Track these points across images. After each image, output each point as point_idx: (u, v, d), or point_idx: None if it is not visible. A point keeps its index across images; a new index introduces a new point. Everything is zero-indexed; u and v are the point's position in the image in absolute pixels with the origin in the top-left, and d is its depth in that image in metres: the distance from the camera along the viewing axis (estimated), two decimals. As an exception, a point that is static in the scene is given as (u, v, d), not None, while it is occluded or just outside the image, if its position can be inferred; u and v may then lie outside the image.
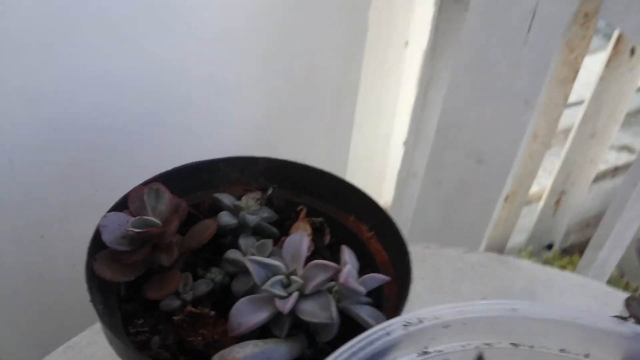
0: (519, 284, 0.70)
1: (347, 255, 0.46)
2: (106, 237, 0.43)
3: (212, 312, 0.44)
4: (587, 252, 0.80)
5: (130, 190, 0.46)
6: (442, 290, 0.68)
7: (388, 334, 0.35)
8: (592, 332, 0.37)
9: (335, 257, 0.52)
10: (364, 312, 0.43)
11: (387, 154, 1.21)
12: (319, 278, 0.42)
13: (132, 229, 0.42)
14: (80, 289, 0.91)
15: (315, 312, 0.42)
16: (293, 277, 0.43)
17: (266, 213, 0.52)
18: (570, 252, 1.79)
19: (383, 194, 1.25)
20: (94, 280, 0.43)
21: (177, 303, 0.44)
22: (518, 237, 1.65)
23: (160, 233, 0.43)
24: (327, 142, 1.05)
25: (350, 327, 0.43)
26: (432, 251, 0.73)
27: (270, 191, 0.56)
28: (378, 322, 0.43)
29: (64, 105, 0.73)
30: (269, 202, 0.56)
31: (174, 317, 0.43)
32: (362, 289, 0.42)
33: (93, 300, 0.41)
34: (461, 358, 0.38)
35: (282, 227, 0.54)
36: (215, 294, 0.46)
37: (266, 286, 0.42)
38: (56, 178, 0.80)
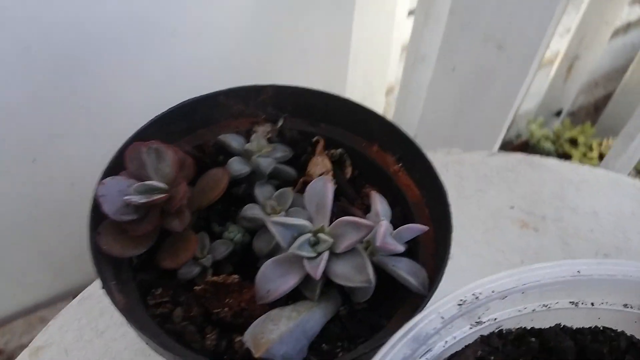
0: (548, 187, 0.67)
1: (379, 204, 0.42)
2: (107, 208, 0.38)
3: (236, 278, 0.40)
4: (617, 143, 0.76)
5: (126, 149, 0.41)
6: (469, 201, 0.65)
7: (442, 317, 0.32)
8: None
9: (359, 192, 0.48)
10: (402, 267, 0.40)
11: (391, 30, 1.11)
12: (351, 237, 0.39)
13: (136, 200, 0.38)
14: (81, 209, 0.89)
15: (350, 275, 0.38)
16: (321, 235, 0.40)
17: (280, 152, 0.47)
18: (578, 115, 1.76)
19: (387, 79, 1.18)
20: (100, 255, 0.39)
21: (196, 270, 0.41)
22: (527, 104, 1.61)
23: (168, 199, 0.39)
24: (327, 32, 0.96)
25: (386, 279, 0.41)
26: (454, 157, 0.69)
27: (281, 122, 0.50)
28: (418, 278, 0.40)
29: (37, 21, 0.64)
30: (280, 135, 0.50)
31: (196, 288, 0.40)
32: (401, 248, 0.39)
33: (105, 285, 0.37)
34: (517, 322, 0.35)
35: (297, 163, 0.49)
36: (235, 254, 0.43)
37: (293, 249, 0.39)
38: (38, 99, 0.73)
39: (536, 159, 0.69)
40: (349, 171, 0.50)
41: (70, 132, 0.81)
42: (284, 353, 0.36)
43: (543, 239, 0.61)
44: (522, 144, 1.54)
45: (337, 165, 0.50)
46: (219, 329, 0.40)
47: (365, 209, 0.48)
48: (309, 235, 0.40)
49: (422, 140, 0.69)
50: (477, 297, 0.33)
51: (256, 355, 0.34)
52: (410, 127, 1.10)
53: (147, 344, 0.38)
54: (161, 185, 0.39)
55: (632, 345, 0.34)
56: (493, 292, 0.33)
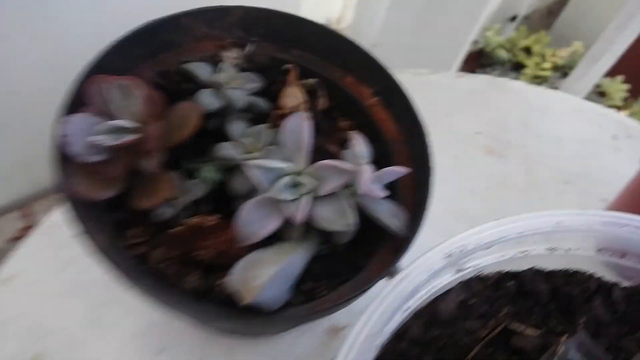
0: (514, 113, 0.67)
1: (360, 146, 0.41)
2: (73, 149, 0.36)
3: (214, 220, 0.40)
4: (580, 66, 0.76)
5: (85, 82, 0.37)
6: (436, 126, 0.64)
7: (430, 270, 0.32)
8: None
9: (334, 126, 0.47)
10: (383, 210, 0.40)
11: None
12: (333, 182, 0.38)
13: (104, 141, 0.35)
14: (25, 118, 0.83)
15: (331, 218, 0.38)
16: (302, 178, 0.39)
17: (251, 82, 0.45)
18: (532, 20, 1.75)
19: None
20: (69, 198, 0.37)
21: (170, 211, 0.40)
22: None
23: (138, 140, 0.36)
24: None
25: (367, 219, 0.41)
26: (422, 79, 0.68)
27: (250, 48, 0.47)
28: (399, 220, 0.40)
29: None
30: (249, 61, 0.47)
31: (172, 230, 0.39)
32: (383, 193, 0.39)
33: (83, 228, 0.36)
34: (496, 267, 0.37)
35: (268, 92, 0.47)
36: (211, 192, 0.42)
37: (273, 193, 0.38)
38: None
39: (504, 82, 0.69)
40: (323, 102, 0.48)
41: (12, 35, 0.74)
42: (270, 297, 0.36)
43: (508, 166, 0.63)
44: (477, 52, 1.54)
45: (311, 96, 0.48)
46: (200, 270, 0.40)
47: (341, 144, 0.47)
48: (288, 177, 0.39)
49: (383, 50, 0.67)
50: (462, 250, 0.33)
51: (243, 303, 0.34)
52: (370, 34, 1.07)
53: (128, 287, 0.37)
54: (130, 124, 0.36)
55: (601, 286, 0.36)
56: (479, 244, 0.33)
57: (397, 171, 0.41)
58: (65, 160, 0.37)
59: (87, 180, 0.37)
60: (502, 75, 1.34)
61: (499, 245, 0.34)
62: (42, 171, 0.98)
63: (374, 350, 0.31)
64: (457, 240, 0.33)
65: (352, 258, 0.41)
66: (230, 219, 0.41)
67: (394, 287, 0.31)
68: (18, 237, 0.97)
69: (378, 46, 1.06)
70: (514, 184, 0.61)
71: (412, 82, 0.66)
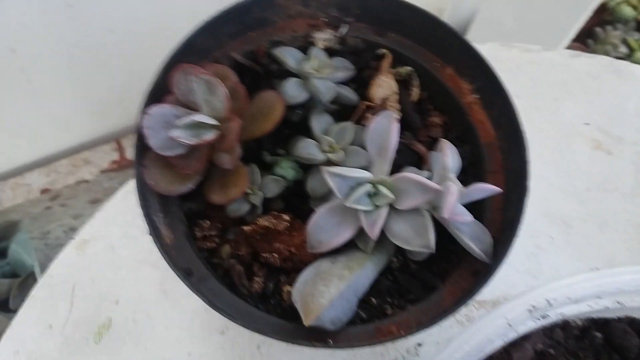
0: (632, 103, 0.60)
1: (450, 157, 0.37)
2: (153, 142, 0.35)
3: (287, 223, 0.39)
4: None
5: (172, 73, 0.36)
6: (541, 112, 0.59)
7: (510, 324, 0.30)
8: None
9: (424, 120, 0.44)
10: (466, 232, 0.37)
11: None
12: (415, 199, 0.35)
13: (185, 139, 0.34)
14: (122, 56, 0.85)
15: (409, 236, 0.36)
16: (382, 189, 0.36)
17: (341, 72, 0.42)
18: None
19: None
20: (145, 188, 0.37)
21: (246, 207, 0.39)
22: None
23: (218, 139, 0.35)
24: None
25: (445, 235, 0.38)
26: (531, 56, 0.61)
27: (344, 29, 0.44)
28: (482, 244, 0.38)
29: None
30: (341, 42, 0.44)
31: (245, 228, 0.39)
32: (469, 219, 0.35)
33: (150, 221, 0.36)
34: (585, 316, 0.33)
35: (358, 78, 0.44)
36: (286, 189, 0.40)
37: (350, 202, 0.36)
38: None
39: (625, 65, 0.61)
40: (415, 93, 0.45)
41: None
42: (332, 317, 0.35)
43: (616, 165, 0.57)
44: (600, 6, 1.37)
45: (403, 84, 0.44)
46: (265, 270, 0.39)
47: (430, 143, 0.43)
48: (368, 186, 0.37)
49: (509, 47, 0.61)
50: (550, 304, 0.30)
51: (306, 324, 0.34)
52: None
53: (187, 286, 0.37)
54: (212, 121, 0.35)
55: None
56: (568, 298, 0.30)
57: (488, 190, 0.37)
58: (145, 150, 0.37)
59: (165, 174, 0.37)
60: (625, 34, 1.20)
61: (592, 300, 0.31)
62: (135, 106, 1.01)
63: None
64: (544, 292, 0.30)
65: (425, 275, 0.39)
66: (301, 219, 0.40)
67: (472, 333, 0.29)
68: (111, 169, 1.02)
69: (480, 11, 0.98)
70: (619, 187, 0.55)
71: (519, 59, 0.60)
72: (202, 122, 0.35)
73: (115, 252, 0.51)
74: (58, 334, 0.48)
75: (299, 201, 0.41)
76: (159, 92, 0.38)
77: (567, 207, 0.55)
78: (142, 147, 0.37)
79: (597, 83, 0.61)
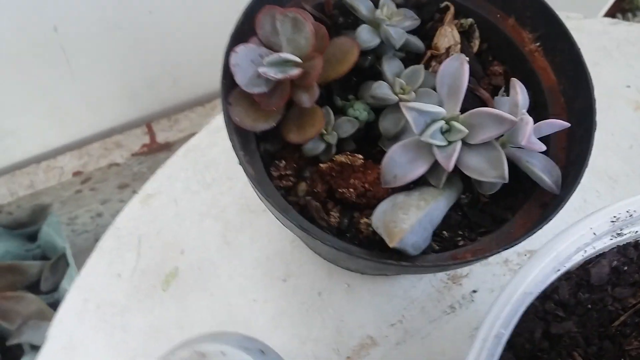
0: (671, 67, 0.62)
1: (521, 94, 0.39)
2: (240, 79, 0.37)
3: (362, 159, 0.40)
4: None
5: (253, 10, 0.38)
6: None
7: (594, 233, 0.32)
8: None
9: (485, 69, 0.46)
10: (537, 164, 0.39)
11: None
12: (490, 131, 0.37)
13: (272, 74, 0.36)
14: (157, 39, 0.87)
15: (483, 168, 0.38)
16: (455, 124, 0.38)
17: (409, 20, 0.44)
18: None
19: None
20: (231, 125, 0.39)
21: (321, 146, 0.41)
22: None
23: (302, 75, 0.37)
24: None
25: (513, 170, 0.40)
26: (573, 24, 0.63)
27: (408, -18, 0.46)
28: (552, 176, 0.39)
29: None
30: (405, -4, 0.46)
31: (321, 165, 0.41)
32: (543, 147, 0.37)
33: (240, 161, 0.38)
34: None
35: (422, 31, 0.46)
36: (358, 130, 0.42)
37: (425, 137, 0.38)
38: None
39: (664, 32, 0.64)
40: (476, 44, 0.47)
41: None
42: (413, 242, 0.37)
43: (657, 124, 0.59)
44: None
45: (465, 36, 0.46)
46: (340, 206, 0.41)
47: (492, 90, 0.45)
48: (441, 122, 0.39)
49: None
50: (630, 215, 0.32)
51: (391, 245, 0.36)
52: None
53: (276, 217, 0.39)
54: (296, 58, 0.37)
55: None
56: (645, 213, 0.32)
57: (557, 124, 0.39)
58: (230, 87, 0.39)
59: (249, 111, 0.39)
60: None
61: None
62: (165, 91, 1.04)
63: (524, 307, 0.32)
64: (625, 204, 0.32)
65: (494, 209, 0.41)
66: (373, 160, 0.42)
67: (553, 245, 0.31)
68: (141, 153, 1.04)
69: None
70: (662, 145, 0.57)
71: (560, 26, 0.62)
72: (287, 59, 0.37)
73: (178, 205, 0.53)
74: (126, 283, 0.50)
75: (368, 143, 0.43)
76: (241, 35, 0.40)
77: (612, 164, 0.57)
78: (227, 85, 0.39)
79: (636, 48, 0.63)
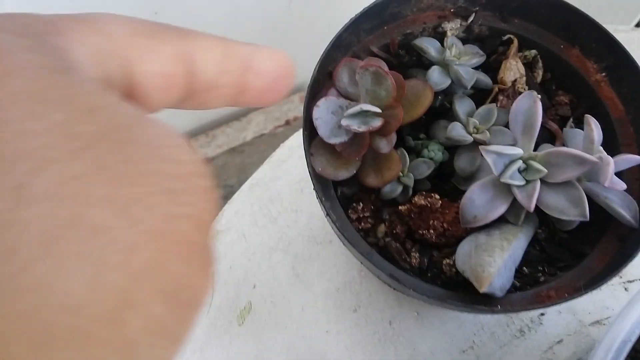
0: None
1: (596, 131, 0.40)
2: (322, 132, 0.39)
3: (440, 201, 0.41)
4: None
5: (336, 66, 0.39)
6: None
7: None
8: None
9: (551, 99, 0.46)
10: (616, 200, 0.40)
11: None
12: (571, 172, 0.38)
13: (355, 127, 0.37)
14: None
15: (564, 207, 0.39)
16: (533, 163, 0.39)
17: (475, 58, 0.45)
18: None
19: None
20: (313, 173, 0.40)
21: (399, 189, 0.42)
22: None
23: (383, 125, 0.38)
24: None
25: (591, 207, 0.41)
26: (622, 36, 0.63)
27: (472, 17, 0.46)
28: (630, 211, 0.40)
29: None
30: (467, 31, 0.47)
31: (401, 207, 0.42)
32: (624, 186, 0.38)
33: (324, 210, 0.39)
34: None
35: (486, 64, 0.47)
36: (433, 170, 0.43)
37: (505, 178, 0.39)
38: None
39: None
40: (540, 74, 0.47)
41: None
42: (500, 285, 0.38)
43: None
44: None
45: (528, 67, 0.47)
46: (418, 245, 0.42)
47: (559, 120, 0.46)
48: (519, 162, 0.39)
49: None
50: None
51: (481, 290, 0.37)
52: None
53: (361, 262, 0.40)
54: (376, 109, 0.38)
55: None
56: None
57: (633, 159, 0.40)
58: (311, 139, 0.40)
59: (330, 160, 0.40)
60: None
61: None
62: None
63: (624, 356, 0.33)
64: None
65: (573, 243, 0.42)
66: (447, 196, 0.43)
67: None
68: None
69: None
70: None
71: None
72: (369, 111, 0.38)
73: (247, 240, 0.55)
74: (204, 319, 0.52)
75: (442, 182, 0.44)
76: (318, 85, 0.41)
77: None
78: (309, 136, 0.40)
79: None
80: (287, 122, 1.10)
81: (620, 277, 0.54)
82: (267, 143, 1.12)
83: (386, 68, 0.40)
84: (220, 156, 1.08)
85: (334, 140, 0.39)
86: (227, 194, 1.35)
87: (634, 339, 0.32)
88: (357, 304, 0.52)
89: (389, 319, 0.52)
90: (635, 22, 0.83)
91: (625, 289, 0.54)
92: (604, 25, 0.60)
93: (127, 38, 0.18)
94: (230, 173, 1.18)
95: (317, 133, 0.39)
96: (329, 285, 0.53)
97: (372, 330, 0.52)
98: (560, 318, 0.53)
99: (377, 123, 0.38)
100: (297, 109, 1.10)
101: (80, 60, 0.16)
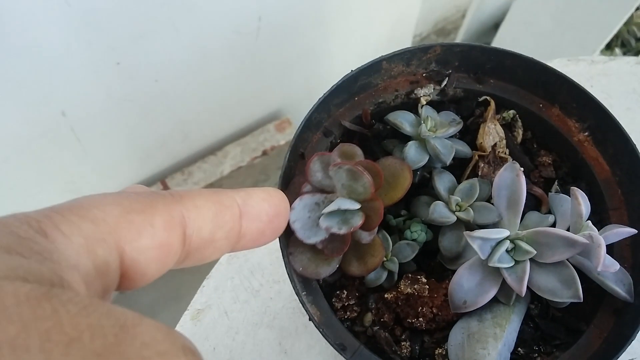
0: None
1: (583, 204, 0.38)
2: (301, 235, 0.36)
3: (426, 285, 0.40)
4: None
5: (308, 161, 0.37)
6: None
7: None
8: None
9: (532, 159, 0.45)
10: (609, 277, 0.38)
11: None
12: (561, 253, 0.36)
13: (336, 230, 0.35)
14: (165, 102, 0.87)
15: (556, 289, 0.37)
16: (520, 244, 0.38)
17: (452, 127, 0.43)
18: None
19: None
20: (293, 273, 0.38)
21: (384, 275, 0.40)
22: None
23: (364, 222, 0.36)
24: None
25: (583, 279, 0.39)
26: (599, 68, 0.62)
27: (445, 82, 0.44)
28: (624, 285, 0.39)
29: None
30: (442, 94, 0.45)
31: (387, 296, 0.40)
32: (617, 266, 0.37)
33: (308, 313, 0.37)
34: None
35: (463, 127, 0.45)
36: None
37: (493, 262, 0.37)
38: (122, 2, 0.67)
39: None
40: (520, 133, 0.45)
41: (151, 31, 0.75)
42: (497, 377, 0.36)
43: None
44: None
45: (507, 128, 0.45)
46: (409, 332, 0.41)
47: (544, 182, 0.45)
48: (507, 242, 0.38)
49: (575, 62, 0.62)
50: None
51: (477, 388, 0.35)
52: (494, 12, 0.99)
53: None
54: (356, 206, 0.36)
55: None
56: None
57: (625, 232, 0.38)
58: (288, 237, 0.38)
59: (310, 259, 0.38)
60: None
61: None
62: (177, 146, 1.02)
63: None
64: None
65: (567, 319, 0.40)
66: (436, 278, 0.41)
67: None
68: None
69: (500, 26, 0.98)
70: None
71: (588, 72, 0.61)
72: (348, 209, 0.36)
73: (229, 318, 0.52)
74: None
75: (426, 258, 0.42)
76: (291, 171, 0.39)
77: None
78: (285, 234, 0.38)
79: (667, 85, 0.61)
80: (265, 153, 1.08)
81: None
82: (246, 174, 1.10)
83: (360, 156, 0.38)
84: (197, 193, 1.06)
85: (313, 240, 0.37)
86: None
87: None
88: (349, 377, 0.51)
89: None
90: (600, 47, 0.82)
91: None
92: (582, 57, 0.59)
93: (118, 219, 0.18)
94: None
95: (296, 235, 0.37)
96: (319, 359, 0.51)
97: (366, 404, 0.50)
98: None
99: (358, 221, 0.36)
100: (273, 139, 1.07)
101: (68, 255, 0.17)
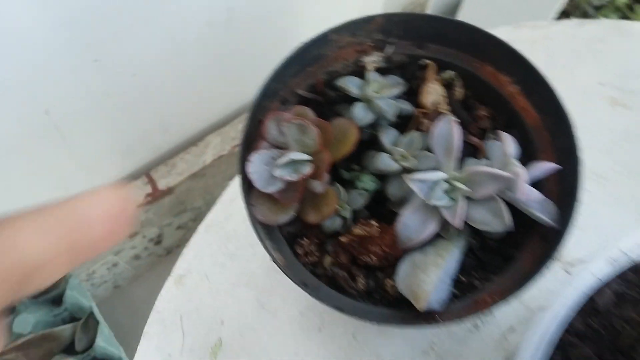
0: (638, 59, 0.67)
1: (510, 146, 0.44)
2: (259, 184, 0.42)
3: (378, 228, 0.45)
4: None
5: (263, 121, 0.42)
6: (558, 81, 0.65)
7: (598, 278, 0.37)
8: None
9: (472, 114, 0.50)
10: (535, 207, 0.44)
11: None
12: (489, 188, 0.42)
13: (287, 176, 0.41)
14: (144, 96, 0.91)
15: (488, 220, 0.43)
16: (456, 183, 0.43)
17: (396, 88, 0.48)
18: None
19: None
20: (256, 222, 0.43)
21: (338, 222, 0.46)
22: None
23: (314, 171, 0.42)
24: None
25: (514, 211, 0.45)
26: (542, 32, 0.68)
27: (390, 50, 0.50)
28: (550, 214, 0.44)
29: None
30: (388, 61, 0.51)
31: (341, 239, 0.45)
32: (540, 196, 0.42)
33: (272, 256, 0.42)
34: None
35: (408, 89, 0.50)
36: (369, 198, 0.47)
37: (432, 201, 0.43)
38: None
39: (628, 26, 0.68)
40: (459, 92, 0.51)
41: (127, 25, 0.80)
42: (438, 299, 0.42)
43: (634, 116, 0.64)
44: None
45: (448, 87, 0.51)
46: (364, 269, 0.46)
47: (481, 134, 0.50)
48: (444, 184, 0.43)
49: (520, 27, 0.67)
50: (627, 254, 0.37)
51: (419, 308, 0.41)
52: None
53: (312, 296, 0.44)
54: (306, 156, 0.42)
55: None
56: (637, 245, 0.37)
57: (548, 167, 0.44)
58: (249, 191, 0.43)
59: (270, 208, 0.44)
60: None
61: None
62: (159, 139, 1.07)
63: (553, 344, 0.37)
64: (622, 247, 0.37)
65: (503, 249, 0.46)
66: (387, 222, 0.46)
67: (565, 291, 0.36)
68: (147, 202, 1.08)
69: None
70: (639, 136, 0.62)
71: (531, 36, 0.67)
72: (299, 159, 0.42)
73: (210, 280, 0.58)
74: (178, 361, 0.55)
75: (379, 206, 0.48)
76: (251, 136, 0.44)
77: (597, 161, 0.62)
78: (246, 188, 0.43)
79: (605, 46, 0.67)
80: (244, 140, 1.13)
81: (560, 261, 0.59)
82: (228, 163, 1.15)
83: (311, 116, 0.44)
84: (182, 183, 1.11)
85: (270, 189, 0.42)
86: (196, 216, 1.37)
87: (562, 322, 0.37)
88: (321, 324, 0.56)
89: (352, 332, 0.56)
90: (552, 14, 0.88)
91: (566, 271, 0.58)
92: (524, 23, 0.65)
93: None
94: (195, 196, 1.21)
95: (254, 185, 0.42)
96: (293, 310, 0.57)
97: (338, 346, 0.55)
98: (510, 308, 0.57)
99: (308, 170, 0.42)
100: (252, 126, 1.13)
101: None
